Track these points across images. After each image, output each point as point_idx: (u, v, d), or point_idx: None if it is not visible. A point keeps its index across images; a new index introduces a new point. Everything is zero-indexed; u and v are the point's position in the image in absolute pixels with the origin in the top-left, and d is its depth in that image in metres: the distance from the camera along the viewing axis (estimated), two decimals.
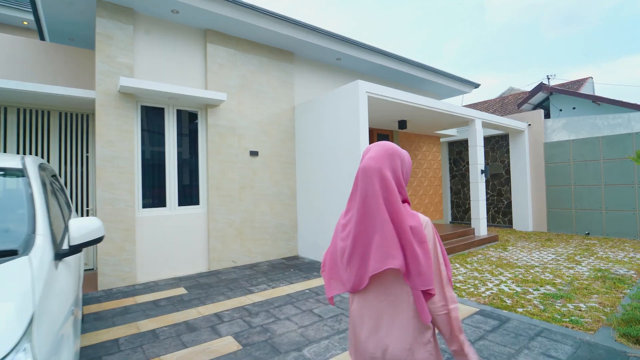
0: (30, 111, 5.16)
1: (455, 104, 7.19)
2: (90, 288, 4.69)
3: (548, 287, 4.37)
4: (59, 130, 5.33)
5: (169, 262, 5.29)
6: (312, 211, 6.26)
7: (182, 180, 5.60)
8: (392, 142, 8.13)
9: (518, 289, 4.29)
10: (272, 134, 6.46)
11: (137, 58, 5.14)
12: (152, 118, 5.37)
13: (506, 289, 4.34)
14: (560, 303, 3.78)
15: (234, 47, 6.05)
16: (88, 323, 3.49)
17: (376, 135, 8.55)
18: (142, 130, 5.26)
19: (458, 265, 5.59)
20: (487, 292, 4.20)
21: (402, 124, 7.61)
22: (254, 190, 6.16)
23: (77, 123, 5.54)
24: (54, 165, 5.25)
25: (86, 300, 4.18)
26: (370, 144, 8.58)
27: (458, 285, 4.53)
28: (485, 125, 8.23)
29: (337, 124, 5.66)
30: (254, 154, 6.16)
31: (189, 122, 5.74)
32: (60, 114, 5.35)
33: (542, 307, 3.66)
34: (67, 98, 4.82)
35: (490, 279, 4.77)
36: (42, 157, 5.21)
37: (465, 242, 6.81)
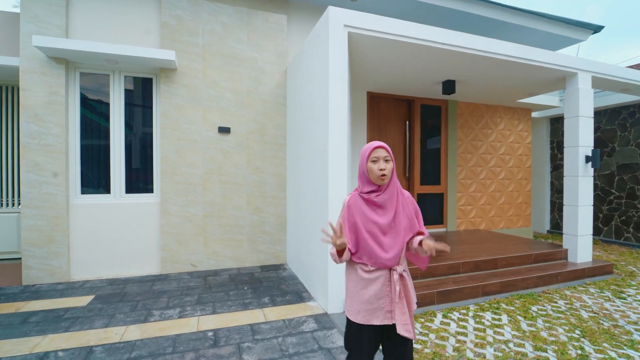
0: None
1: (537, 49, 4.41)
2: (12, 281, 4.13)
3: None
4: None
5: (112, 259, 4.43)
6: (298, 207, 4.61)
7: (132, 163, 4.65)
8: (447, 116, 5.78)
9: None
10: (252, 105, 4.99)
11: (73, 16, 4.29)
12: (95, 87, 4.50)
13: None
14: None
15: None
16: None
17: (419, 107, 6.21)
18: (83, 101, 4.44)
19: (505, 319, 3.22)
20: None
21: (448, 87, 5.16)
22: (223, 177, 4.84)
23: (9, 96, 5.07)
24: None
25: None
26: (406, 118, 6.35)
27: None
28: (600, 84, 5.07)
29: (312, 80, 3.84)
30: (224, 131, 4.81)
31: (143, 92, 4.73)
32: None
33: None
34: None
35: None
36: None
37: (543, 273, 4.17)
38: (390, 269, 1.63)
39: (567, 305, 3.56)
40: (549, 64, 4.44)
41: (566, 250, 4.76)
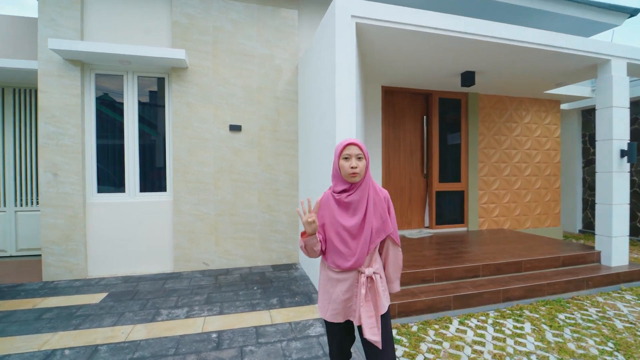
0: None
1: (564, 35, 4.07)
2: (34, 277, 4.27)
3: None
4: (13, 109, 5.11)
5: (127, 257, 4.50)
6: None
7: (146, 162, 4.69)
8: (467, 110, 5.49)
9: None
10: (263, 102, 4.92)
11: (87, 19, 4.36)
12: (109, 88, 4.57)
13: None
14: None
15: None
16: None
17: (437, 100, 5.94)
18: (99, 102, 4.52)
19: (529, 327, 2.98)
20: None
21: (467, 79, 4.87)
22: (234, 175, 4.81)
23: (32, 99, 5.19)
24: (8, 147, 5.07)
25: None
26: (423, 113, 6.10)
27: None
28: (638, 71, 4.64)
29: (320, 74, 3.71)
30: (235, 128, 4.78)
31: (155, 92, 4.76)
32: (14, 90, 5.11)
33: None
34: (8, 71, 4.44)
35: None
36: None
37: (572, 278, 3.86)
38: (359, 271, 1.60)
39: (599, 314, 3.27)
40: (577, 50, 4.09)
41: (599, 253, 4.40)
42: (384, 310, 1.61)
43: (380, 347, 1.55)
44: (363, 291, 1.56)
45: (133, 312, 3.29)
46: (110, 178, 4.58)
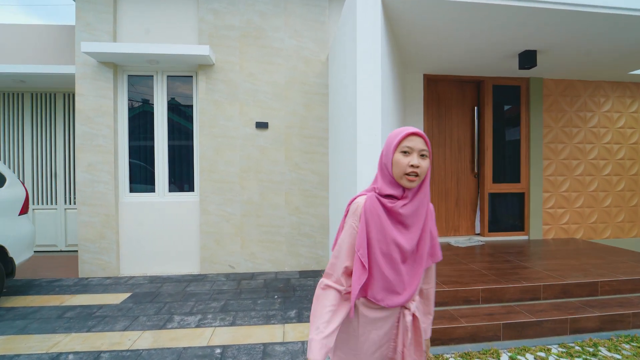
0: (41, 95, 5.38)
1: None
2: (72, 273, 4.45)
3: None
4: (63, 112, 5.38)
5: (156, 256, 4.52)
6: (338, 208, 4.11)
7: (175, 162, 4.67)
8: (528, 98, 4.99)
9: None
10: (291, 97, 4.63)
11: (120, 21, 4.45)
12: (140, 89, 4.62)
13: None
14: None
15: None
16: None
17: (491, 88, 5.15)
18: (131, 103, 4.59)
19: None
20: None
21: (527, 60, 4.08)
22: (260, 174, 4.59)
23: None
24: (59, 148, 5.36)
25: (37, 287, 3.85)
26: (474, 103, 5.33)
27: None
28: None
29: (346, 63, 3.30)
30: (261, 126, 4.55)
31: (184, 91, 4.71)
32: (64, 95, 5.38)
33: None
34: (53, 76, 4.66)
35: None
36: (50, 140, 5.38)
37: None
38: (404, 307, 1.19)
39: None
40: None
41: None
42: (426, 347, 1.35)
43: None
44: (410, 335, 1.18)
45: (147, 316, 3.19)
46: (141, 178, 4.63)
